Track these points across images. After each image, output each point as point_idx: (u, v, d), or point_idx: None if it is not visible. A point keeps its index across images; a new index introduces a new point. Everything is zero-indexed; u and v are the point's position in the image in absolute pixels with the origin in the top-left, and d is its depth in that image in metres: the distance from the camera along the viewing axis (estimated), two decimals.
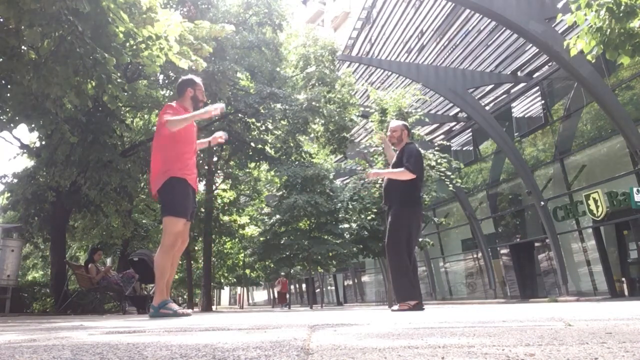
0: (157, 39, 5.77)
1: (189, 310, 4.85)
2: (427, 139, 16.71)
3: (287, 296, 25.61)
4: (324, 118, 14.56)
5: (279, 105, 12.88)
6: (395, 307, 4.92)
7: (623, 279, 13.46)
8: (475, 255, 20.29)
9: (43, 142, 11.05)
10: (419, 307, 4.52)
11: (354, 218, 16.57)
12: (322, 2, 41.32)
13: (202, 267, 20.44)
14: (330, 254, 16.49)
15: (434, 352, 1.20)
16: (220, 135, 4.23)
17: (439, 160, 14.14)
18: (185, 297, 27.50)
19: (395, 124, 5.17)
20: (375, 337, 1.64)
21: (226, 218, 20.06)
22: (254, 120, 13.09)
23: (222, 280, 30.90)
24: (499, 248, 18.92)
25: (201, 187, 17.81)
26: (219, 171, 17.88)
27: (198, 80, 4.17)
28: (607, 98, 11.97)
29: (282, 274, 23.50)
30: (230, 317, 4.57)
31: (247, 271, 28.75)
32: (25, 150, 11.82)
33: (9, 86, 6.64)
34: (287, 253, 16.82)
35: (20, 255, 11.66)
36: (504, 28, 13.57)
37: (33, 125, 8.44)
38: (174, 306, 3.83)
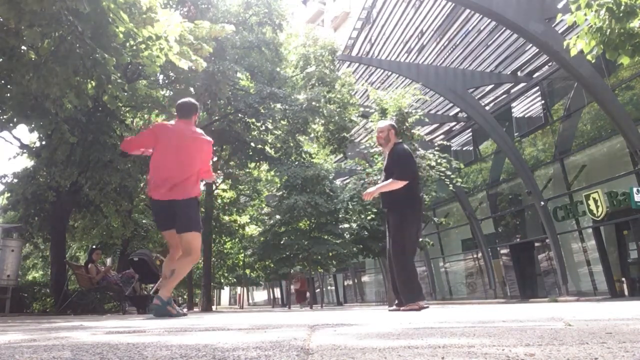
0: (157, 39, 5.76)
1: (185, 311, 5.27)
2: (427, 139, 16.70)
3: (307, 294, 23.88)
4: (324, 118, 14.56)
5: (279, 105, 12.88)
6: (392, 307, 4.91)
7: (623, 279, 13.46)
8: (475, 255, 20.28)
9: (43, 142, 11.04)
10: (424, 308, 4.53)
11: (354, 218, 16.57)
12: (322, 2, 41.31)
13: (202, 267, 20.41)
14: (330, 254, 16.48)
15: (434, 352, 1.20)
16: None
17: (439, 160, 14.14)
18: (185, 297, 27.48)
19: (382, 125, 5.08)
20: (375, 337, 1.64)
21: (226, 218, 20.06)
22: (254, 120, 13.09)
23: (222, 280, 30.88)
24: (499, 248, 18.92)
25: (201, 187, 17.79)
26: (218, 171, 17.86)
27: (198, 104, 4.68)
28: (607, 98, 11.96)
29: (299, 268, 21.04)
30: (230, 317, 4.58)
31: (247, 271, 28.72)
32: (25, 150, 11.82)
33: (8, 86, 6.64)
34: (287, 253, 16.80)
35: (20, 255, 11.65)
36: (504, 28, 13.56)
37: (33, 125, 8.45)
38: (176, 307, 4.23)
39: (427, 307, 4.58)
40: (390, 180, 4.72)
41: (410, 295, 4.55)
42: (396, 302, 4.86)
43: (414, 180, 4.85)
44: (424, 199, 14.64)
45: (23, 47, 5.88)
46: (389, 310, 4.84)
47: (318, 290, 30.31)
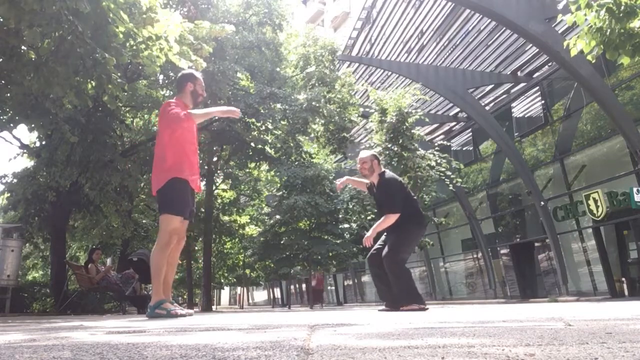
0: (157, 39, 5.77)
1: (190, 311, 4.78)
2: (427, 139, 16.69)
3: (323, 294, 23.04)
4: (324, 118, 14.57)
5: (279, 105, 12.88)
6: (382, 308, 4.93)
7: (623, 279, 13.45)
8: (475, 255, 20.28)
9: (43, 142, 11.05)
10: (424, 309, 4.53)
11: (354, 218, 16.57)
12: (322, 2, 41.32)
13: (202, 267, 20.42)
14: (330, 254, 16.49)
15: (434, 352, 1.20)
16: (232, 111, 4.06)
17: (439, 161, 14.14)
18: (185, 297, 27.52)
19: (363, 155, 5.03)
20: (375, 337, 1.64)
21: (226, 218, 20.06)
22: (254, 120, 13.09)
23: (222, 280, 30.87)
24: (499, 248, 18.92)
25: (201, 187, 17.80)
26: (219, 171, 17.88)
27: (198, 74, 4.17)
28: (607, 98, 11.96)
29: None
30: (230, 317, 4.58)
31: (247, 271, 28.73)
32: (25, 150, 11.82)
33: (9, 86, 6.65)
34: (287, 253, 16.81)
35: (20, 255, 11.64)
36: (504, 28, 13.56)
37: (33, 125, 8.46)
38: (169, 306, 3.80)
39: (427, 308, 4.59)
40: (384, 217, 4.76)
41: (409, 297, 4.56)
42: (384, 303, 4.88)
43: (408, 201, 4.84)
44: (424, 199, 14.67)
45: (23, 47, 5.89)
46: (379, 311, 4.85)
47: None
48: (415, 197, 5.18)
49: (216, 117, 13.31)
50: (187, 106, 4.01)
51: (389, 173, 5.01)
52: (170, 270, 3.96)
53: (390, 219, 4.69)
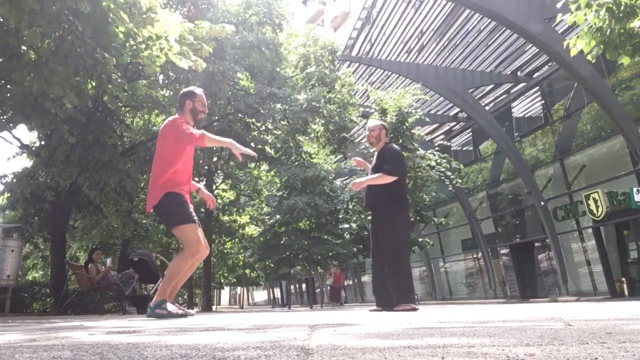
0: (157, 39, 5.77)
1: (191, 311, 4.76)
2: (427, 139, 16.67)
3: (342, 293, 22.11)
4: (324, 118, 14.56)
5: (279, 106, 12.88)
6: (373, 308, 4.92)
7: (623, 279, 13.45)
8: (475, 255, 20.28)
9: (43, 142, 11.05)
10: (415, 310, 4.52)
11: (354, 218, 16.57)
12: (322, 2, 41.32)
13: (202, 267, 20.45)
14: (330, 254, 16.49)
15: (434, 352, 1.20)
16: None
17: (439, 161, 14.13)
18: (185, 297, 27.53)
19: (373, 124, 5.11)
20: (375, 337, 1.64)
21: (226, 218, 20.06)
22: (254, 120, 13.08)
23: (222, 280, 30.90)
24: (499, 248, 18.92)
25: (201, 187, 17.78)
26: (219, 171, 17.88)
27: (199, 91, 4.12)
28: (607, 98, 11.96)
29: (335, 263, 18.48)
30: (230, 317, 4.58)
31: (247, 271, 28.73)
32: (25, 150, 11.82)
33: (8, 86, 6.65)
34: (287, 253, 16.81)
35: (20, 255, 11.63)
36: (504, 28, 13.56)
37: (33, 125, 8.46)
38: (170, 306, 3.80)
39: (417, 308, 4.58)
40: (380, 174, 4.69)
41: (404, 296, 4.54)
42: (376, 302, 4.86)
43: (403, 179, 4.85)
44: (424, 199, 14.67)
45: (23, 47, 5.89)
46: (370, 311, 4.83)
47: (318, 290, 30.33)
48: (407, 181, 5.20)
49: (216, 117, 13.37)
50: (189, 124, 3.99)
51: (394, 145, 5.07)
52: (183, 277, 3.98)
53: (384, 178, 4.65)
